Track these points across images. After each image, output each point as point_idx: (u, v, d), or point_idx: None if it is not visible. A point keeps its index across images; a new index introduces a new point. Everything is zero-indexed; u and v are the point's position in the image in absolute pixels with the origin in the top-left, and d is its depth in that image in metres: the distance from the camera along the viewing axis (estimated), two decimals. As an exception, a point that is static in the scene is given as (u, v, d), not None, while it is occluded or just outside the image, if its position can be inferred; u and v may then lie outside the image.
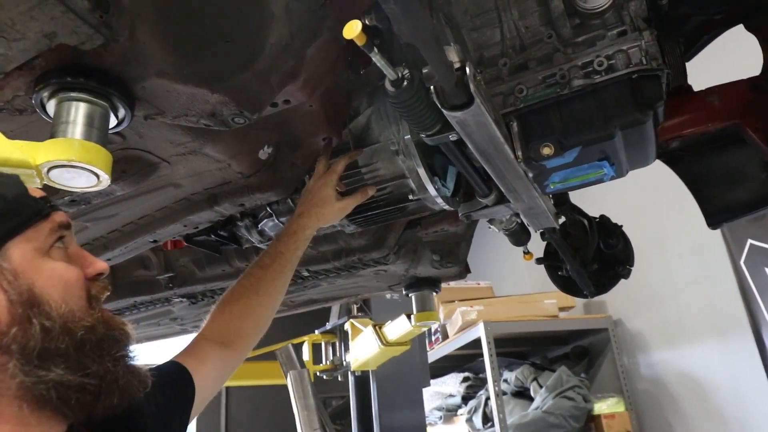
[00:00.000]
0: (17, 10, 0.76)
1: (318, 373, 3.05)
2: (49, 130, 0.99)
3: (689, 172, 1.72)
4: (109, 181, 0.88)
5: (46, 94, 0.87)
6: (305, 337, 3.13)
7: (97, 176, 0.87)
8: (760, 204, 1.68)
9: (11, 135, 0.98)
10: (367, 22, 0.88)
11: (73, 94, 0.87)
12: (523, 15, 1.18)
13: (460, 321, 3.73)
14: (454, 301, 3.93)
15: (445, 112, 0.98)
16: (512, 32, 1.19)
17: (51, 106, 0.88)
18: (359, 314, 2.92)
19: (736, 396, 2.88)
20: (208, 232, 1.56)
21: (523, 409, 3.46)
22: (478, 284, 4.27)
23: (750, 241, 2.74)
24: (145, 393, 0.82)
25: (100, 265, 0.84)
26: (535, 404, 3.41)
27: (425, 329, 3.19)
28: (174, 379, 1.06)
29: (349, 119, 1.31)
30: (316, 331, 3.11)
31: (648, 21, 1.10)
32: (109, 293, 0.85)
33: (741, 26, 1.45)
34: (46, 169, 0.83)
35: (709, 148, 1.67)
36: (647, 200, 3.26)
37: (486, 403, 3.66)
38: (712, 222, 1.75)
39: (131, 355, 0.81)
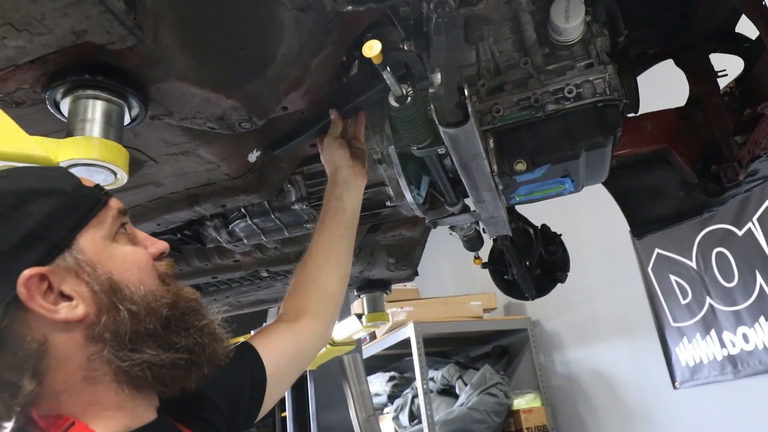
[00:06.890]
0: (51, 6, 0.76)
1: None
2: (37, 124, 0.99)
3: (618, 187, 1.92)
4: (126, 178, 0.89)
5: (61, 90, 0.86)
6: (241, 338, 3.07)
7: (115, 174, 0.88)
8: (678, 218, 1.91)
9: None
10: (405, 47, 0.94)
11: (90, 92, 0.86)
12: (498, 40, 1.28)
13: (390, 322, 3.83)
14: (383, 303, 4.02)
15: (441, 128, 1.06)
16: (487, 55, 1.29)
17: (65, 103, 0.87)
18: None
19: (641, 390, 3.18)
20: (173, 231, 1.55)
21: (449, 406, 3.62)
22: (405, 286, 4.40)
23: (657, 250, 3.04)
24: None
25: (161, 244, 0.84)
26: (460, 401, 3.57)
27: (374, 329, 3.25)
28: (240, 356, 1.00)
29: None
30: (252, 332, 3.08)
31: (610, 56, 1.24)
32: (175, 269, 0.85)
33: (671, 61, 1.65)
34: (65, 167, 0.83)
35: (637, 167, 1.88)
36: (564, 211, 3.52)
37: (413, 401, 3.79)
38: (638, 233, 1.96)
39: (211, 320, 0.82)
